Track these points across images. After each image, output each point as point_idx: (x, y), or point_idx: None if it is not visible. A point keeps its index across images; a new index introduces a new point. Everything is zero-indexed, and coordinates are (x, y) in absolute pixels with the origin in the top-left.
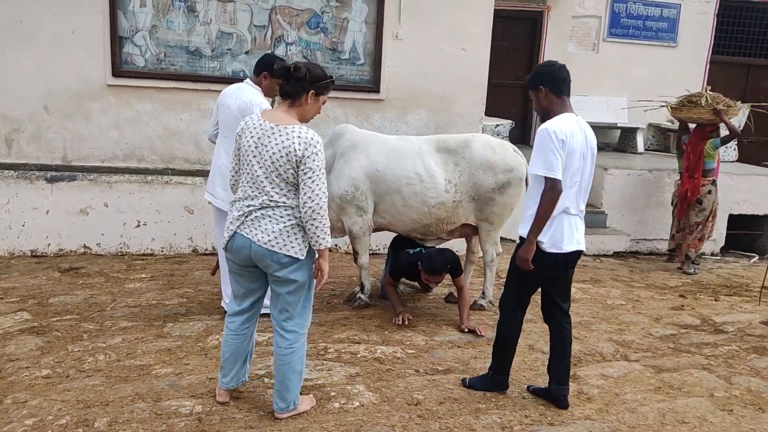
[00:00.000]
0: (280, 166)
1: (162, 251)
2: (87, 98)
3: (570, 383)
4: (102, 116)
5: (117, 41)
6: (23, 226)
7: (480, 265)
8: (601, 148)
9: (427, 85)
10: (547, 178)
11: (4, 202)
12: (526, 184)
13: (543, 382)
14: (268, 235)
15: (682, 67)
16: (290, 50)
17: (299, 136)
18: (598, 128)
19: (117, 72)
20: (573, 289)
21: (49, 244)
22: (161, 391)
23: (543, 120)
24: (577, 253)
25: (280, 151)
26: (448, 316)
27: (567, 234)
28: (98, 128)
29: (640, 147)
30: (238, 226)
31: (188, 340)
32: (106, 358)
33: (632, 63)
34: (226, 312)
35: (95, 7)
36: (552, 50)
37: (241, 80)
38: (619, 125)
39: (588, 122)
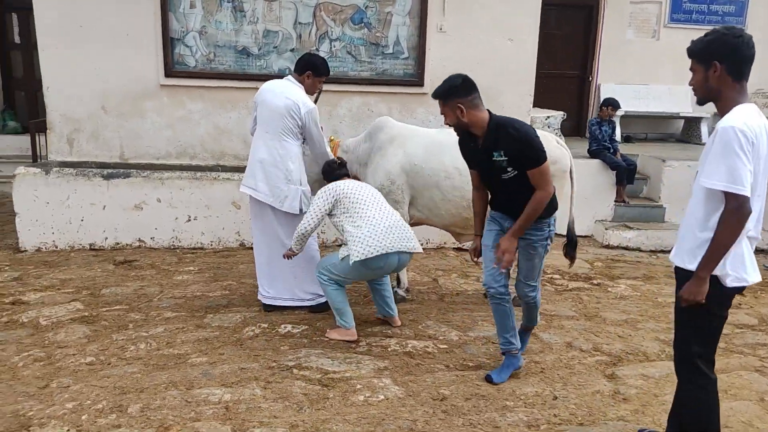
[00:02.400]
0: None
1: (211, 245)
2: (141, 98)
3: (606, 383)
4: (156, 115)
5: (169, 42)
6: (82, 221)
7: None
8: (664, 138)
9: (473, 77)
10: (730, 195)
11: (64, 198)
12: (571, 177)
13: (578, 381)
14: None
15: None
16: (335, 46)
17: None
18: (660, 118)
19: (169, 72)
20: (622, 286)
21: (106, 238)
22: (194, 379)
23: (700, 103)
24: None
25: None
26: (485, 311)
27: (749, 260)
28: (152, 127)
29: (705, 137)
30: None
31: (226, 331)
32: (147, 347)
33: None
34: (263, 304)
35: (147, 9)
36: (609, 38)
37: (283, 78)
38: (682, 115)
39: (648, 112)
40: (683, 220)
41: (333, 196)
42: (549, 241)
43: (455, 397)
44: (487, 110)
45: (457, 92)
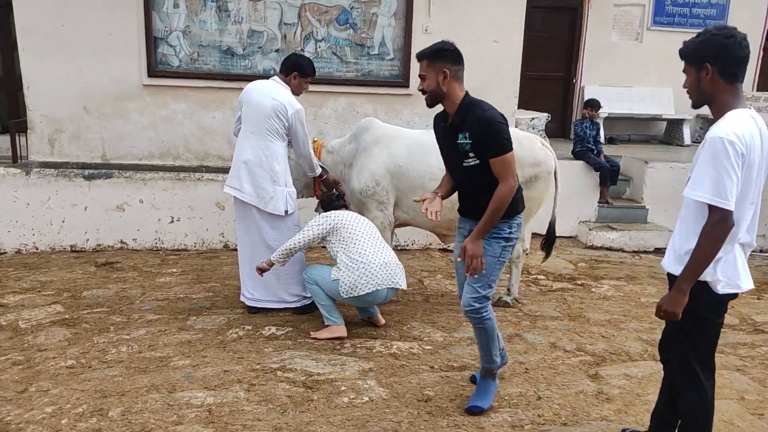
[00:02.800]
0: None
1: (194, 246)
2: (124, 98)
3: (590, 383)
4: (138, 116)
5: (152, 42)
6: (63, 222)
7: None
8: (646, 140)
9: None
10: (713, 207)
11: (45, 199)
12: (555, 178)
13: (562, 381)
14: None
15: None
16: (320, 47)
17: None
18: (643, 120)
19: (152, 72)
20: (605, 287)
21: (87, 240)
22: (176, 382)
23: (694, 107)
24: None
25: None
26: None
27: (741, 267)
28: (135, 127)
29: (687, 139)
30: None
31: (209, 333)
32: (129, 350)
33: (677, 52)
34: (247, 306)
35: (130, 9)
36: (593, 40)
37: (268, 78)
38: (664, 117)
39: (632, 114)
40: (676, 227)
41: (331, 225)
42: (506, 243)
43: (440, 398)
44: (466, 92)
45: (446, 56)
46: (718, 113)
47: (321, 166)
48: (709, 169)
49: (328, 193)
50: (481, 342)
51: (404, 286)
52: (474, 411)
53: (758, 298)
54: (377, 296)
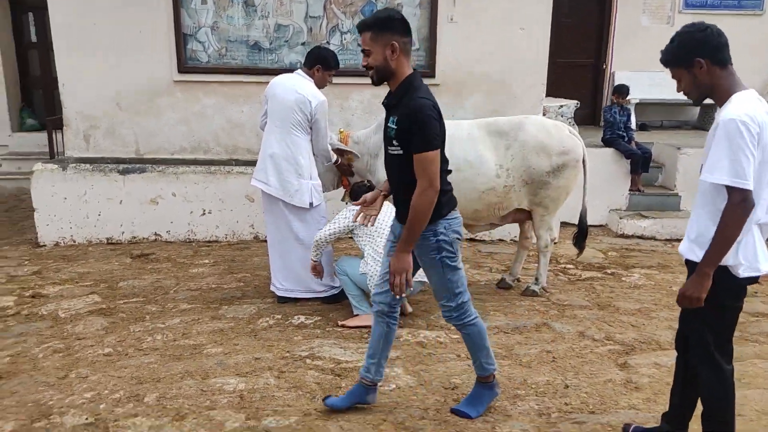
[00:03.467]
0: None
1: (226, 238)
2: (156, 94)
3: (618, 372)
4: (170, 111)
5: (181, 38)
6: (99, 215)
7: (533, 250)
8: (678, 126)
9: (484, 67)
10: (733, 189)
11: (81, 193)
12: (584, 167)
13: (590, 370)
14: None
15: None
16: (345, 39)
17: None
18: (675, 105)
19: (182, 68)
20: (636, 275)
21: (123, 232)
22: (209, 369)
23: (696, 103)
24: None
25: None
26: (498, 302)
27: (760, 249)
28: (167, 123)
29: None
30: None
31: (240, 322)
32: (163, 338)
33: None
34: (277, 296)
35: (159, 6)
36: (623, 25)
37: (293, 71)
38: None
39: (663, 100)
40: (693, 212)
41: (347, 227)
42: (438, 252)
43: (466, 386)
44: (414, 70)
45: (394, 26)
46: (722, 99)
47: (348, 150)
48: (724, 151)
49: (359, 183)
50: (468, 348)
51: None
52: (458, 414)
53: None
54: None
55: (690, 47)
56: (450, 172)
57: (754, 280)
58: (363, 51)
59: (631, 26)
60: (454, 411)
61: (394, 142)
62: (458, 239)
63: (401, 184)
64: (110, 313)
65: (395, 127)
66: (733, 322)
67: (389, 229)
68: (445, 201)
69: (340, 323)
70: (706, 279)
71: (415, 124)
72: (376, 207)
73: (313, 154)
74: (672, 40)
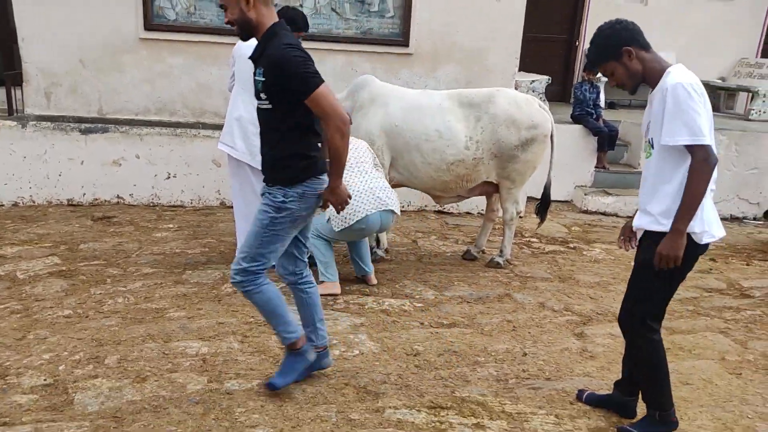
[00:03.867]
0: None
1: (191, 203)
2: (120, 52)
3: (575, 341)
4: (134, 70)
5: None
6: (60, 176)
7: (499, 223)
8: (646, 105)
9: (458, 38)
10: (695, 147)
11: (41, 152)
12: (551, 142)
13: (548, 339)
14: None
15: (737, 21)
16: (319, 2)
17: None
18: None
19: (149, 25)
20: (596, 250)
21: (84, 194)
22: (172, 333)
23: (632, 92)
24: None
25: None
26: (462, 272)
27: (713, 216)
28: (131, 82)
29: None
30: None
31: (204, 287)
32: (125, 301)
33: (683, 15)
34: None
35: None
36: (598, 2)
37: None
38: None
39: None
40: (643, 187)
41: None
42: (276, 213)
43: (428, 352)
44: (280, 20)
45: None
46: (655, 79)
47: None
48: (678, 114)
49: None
50: (263, 317)
51: (397, 210)
52: (270, 388)
53: (747, 264)
54: (369, 224)
55: (616, 40)
56: (319, 135)
57: (706, 247)
58: (220, 6)
59: (606, 3)
60: (266, 385)
61: (262, 95)
62: (303, 216)
63: (268, 139)
64: (70, 275)
65: (262, 80)
66: (674, 290)
67: (347, 165)
68: (304, 166)
69: None
70: (680, 236)
71: (285, 72)
72: (343, 193)
73: None
74: (593, 42)
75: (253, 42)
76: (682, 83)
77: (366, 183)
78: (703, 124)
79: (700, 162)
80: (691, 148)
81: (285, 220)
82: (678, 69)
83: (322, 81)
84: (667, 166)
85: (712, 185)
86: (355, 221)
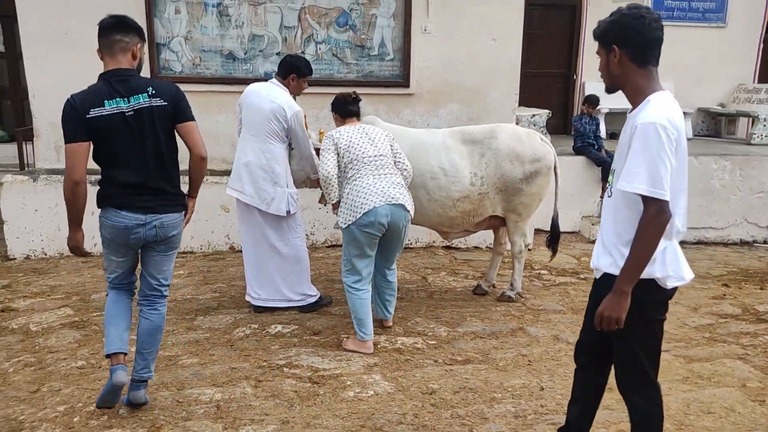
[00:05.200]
0: None
1: (201, 248)
2: None
3: None
4: None
5: (155, 48)
6: None
7: (508, 256)
8: None
9: (458, 77)
10: (651, 199)
11: (52, 205)
12: (555, 173)
13: (564, 372)
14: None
15: (731, 48)
16: (320, 49)
17: None
18: None
19: (156, 78)
20: None
21: (95, 245)
22: (185, 380)
23: (607, 91)
24: None
25: None
26: (474, 307)
27: (682, 258)
28: None
29: (689, 133)
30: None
31: (216, 333)
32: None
33: (677, 46)
34: (252, 306)
35: (132, 16)
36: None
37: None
38: None
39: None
40: (604, 223)
41: (332, 143)
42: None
43: (444, 390)
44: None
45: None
46: (632, 98)
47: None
48: (642, 158)
49: (343, 93)
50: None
51: (409, 208)
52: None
53: (761, 288)
54: (378, 216)
55: (616, 31)
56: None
57: (674, 291)
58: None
59: None
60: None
61: None
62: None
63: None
64: (83, 325)
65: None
66: (661, 335)
67: (361, 160)
68: (103, 195)
69: (342, 345)
70: (624, 298)
71: None
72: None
73: (291, 165)
74: (611, 14)
75: (260, 89)
76: (656, 124)
77: (378, 184)
78: (665, 176)
79: (652, 217)
80: (645, 199)
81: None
82: (658, 102)
83: (70, 140)
84: (625, 209)
85: (680, 227)
86: (362, 213)
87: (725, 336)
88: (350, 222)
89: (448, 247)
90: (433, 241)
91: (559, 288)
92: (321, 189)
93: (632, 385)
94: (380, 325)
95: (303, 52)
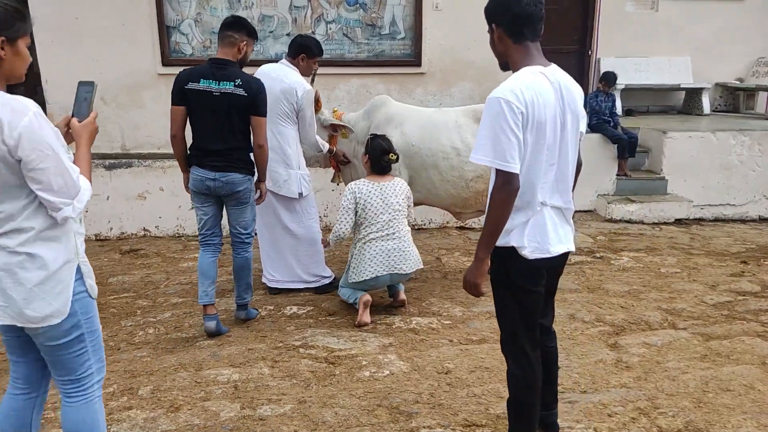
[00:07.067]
0: None
1: None
2: (139, 88)
3: (609, 352)
4: (154, 104)
5: (164, 31)
6: (86, 212)
7: None
8: (664, 111)
9: (470, 55)
10: (497, 171)
11: None
12: None
13: (581, 351)
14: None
15: (749, 21)
16: (330, 28)
17: None
18: (661, 91)
19: (166, 61)
20: (624, 258)
21: (111, 228)
22: (203, 361)
23: (502, 69)
24: (566, 256)
25: None
26: (488, 287)
27: (552, 231)
28: (152, 116)
29: (707, 108)
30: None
31: (232, 314)
32: (155, 332)
33: (694, 20)
34: (268, 287)
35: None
36: (608, 11)
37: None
38: (683, 86)
39: (649, 85)
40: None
41: (354, 200)
42: None
43: (459, 370)
44: None
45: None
46: (514, 72)
47: (343, 125)
48: (488, 132)
49: (381, 137)
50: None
51: (408, 271)
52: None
53: None
54: (380, 281)
55: (491, 9)
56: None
57: (546, 261)
58: None
59: (616, 12)
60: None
61: None
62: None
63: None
64: (101, 308)
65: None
66: (533, 306)
67: (375, 216)
68: (190, 155)
69: (356, 324)
70: (480, 264)
71: None
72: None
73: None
74: None
75: (271, 70)
76: (500, 99)
77: (388, 243)
78: (508, 149)
79: (498, 188)
80: (494, 171)
81: None
82: (515, 77)
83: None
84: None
85: (559, 202)
86: (368, 278)
87: (744, 313)
88: (355, 280)
89: (461, 228)
90: (447, 222)
91: (575, 267)
92: (333, 167)
93: (504, 348)
94: (393, 306)
95: (313, 32)
